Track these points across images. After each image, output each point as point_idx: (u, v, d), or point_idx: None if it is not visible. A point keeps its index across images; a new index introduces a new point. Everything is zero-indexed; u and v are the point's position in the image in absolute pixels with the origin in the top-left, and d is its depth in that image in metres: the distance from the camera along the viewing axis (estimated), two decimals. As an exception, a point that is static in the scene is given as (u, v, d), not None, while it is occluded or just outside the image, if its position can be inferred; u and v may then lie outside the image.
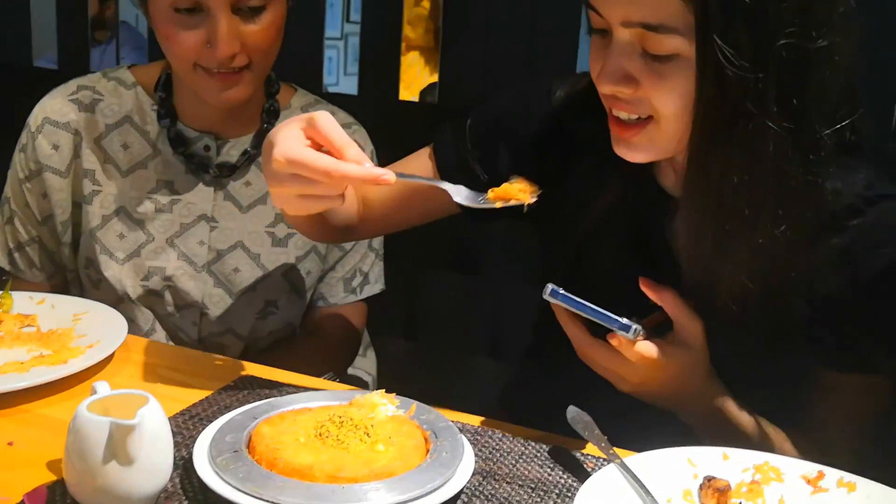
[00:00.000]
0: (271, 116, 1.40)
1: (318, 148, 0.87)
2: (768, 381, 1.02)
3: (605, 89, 0.93)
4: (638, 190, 1.06)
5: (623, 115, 0.94)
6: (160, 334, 1.38)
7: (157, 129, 1.36)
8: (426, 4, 2.59)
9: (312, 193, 0.88)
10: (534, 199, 0.92)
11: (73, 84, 1.39)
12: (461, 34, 1.81)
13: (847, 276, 0.96)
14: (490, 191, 0.94)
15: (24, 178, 1.37)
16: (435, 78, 2.51)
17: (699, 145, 0.91)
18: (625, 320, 0.90)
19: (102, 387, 0.80)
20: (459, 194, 0.95)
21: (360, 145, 1.37)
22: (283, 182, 0.87)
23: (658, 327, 0.96)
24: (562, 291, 0.91)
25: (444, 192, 1.18)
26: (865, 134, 0.96)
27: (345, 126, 1.43)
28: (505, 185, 0.93)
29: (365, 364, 1.60)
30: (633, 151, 0.97)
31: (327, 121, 0.88)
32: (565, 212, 1.11)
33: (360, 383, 1.54)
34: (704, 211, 0.93)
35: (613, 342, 0.91)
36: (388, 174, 0.87)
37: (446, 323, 1.75)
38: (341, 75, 4.48)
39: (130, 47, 2.70)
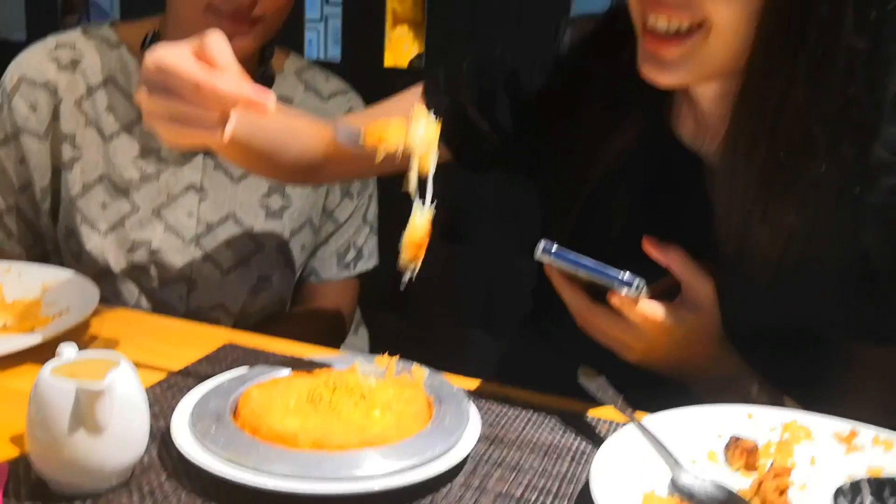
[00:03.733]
0: (266, 82, 1.32)
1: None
2: (792, 354, 0.92)
3: None
4: (653, 140, 0.97)
5: (662, 21, 0.81)
6: (146, 309, 1.30)
7: None
8: (414, -26, 2.52)
9: (184, 114, 0.75)
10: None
11: (51, 40, 1.28)
12: (446, 3, 1.75)
13: (882, 238, 0.86)
14: (364, 129, 0.80)
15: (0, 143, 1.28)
16: (422, 49, 2.45)
17: (764, 55, 0.80)
18: (626, 275, 0.81)
19: (69, 349, 0.72)
20: (342, 133, 0.82)
21: (354, 112, 1.33)
22: (152, 94, 0.76)
23: (668, 292, 0.87)
24: (555, 248, 0.83)
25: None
26: None
27: (340, 93, 1.37)
28: (379, 123, 0.79)
29: (356, 342, 1.53)
30: (667, 71, 0.84)
31: (219, 41, 0.76)
32: (569, 166, 1.02)
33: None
34: (758, 133, 0.82)
35: (614, 301, 0.83)
36: (267, 99, 0.74)
37: (438, 296, 1.69)
38: (321, 58, 4.39)
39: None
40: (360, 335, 1.55)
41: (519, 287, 1.23)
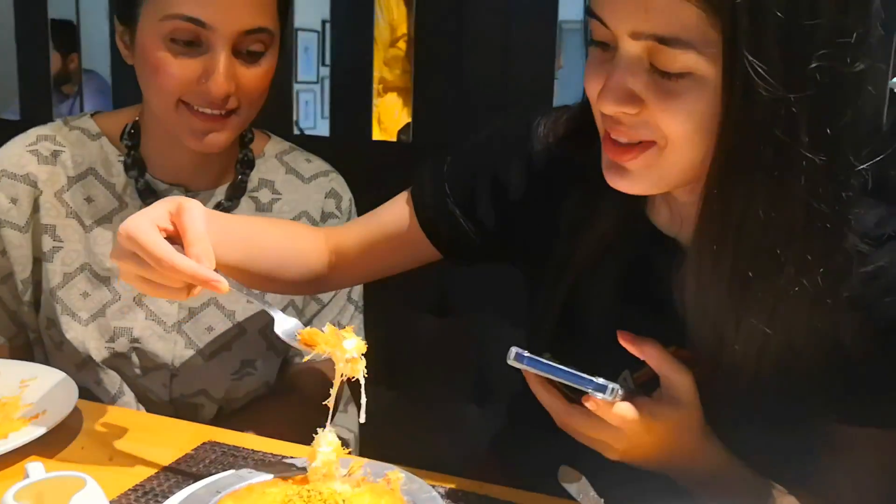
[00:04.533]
0: (246, 166, 1.33)
1: (176, 234, 0.87)
2: (776, 442, 0.91)
3: (607, 109, 0.83)
4: (630, 228, 0.97)
5: (623, 139, 0.84)
6: (129, 397, 1.29)
7: (124, 181, 1.28)
8: (402, 45, 2.56)
9: (149, 278, 0.85)
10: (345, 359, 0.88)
11: (32, 134, 1.30)
12: (433, 71, 1.77)
13: (859, 323, 0.86)
14: (299, 332, 0.90)
15: None
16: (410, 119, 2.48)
17: (720, 175, 0.81)
18: (600, 380, 0.80)
19: (35, 469, 0.71)
20: (281, 326, 0.92)
21: (336, 193, 1.35)
22: (121, 257, 0.86)
23: (651, 382, 0.87)
24: (527, 354, 0.82)
25: (423, 242, 1.13)
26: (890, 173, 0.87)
27: (321, 174, 1.37)
28: (312, 330, 0.89)
29: (346, 420, 1.51)
30: (629, 179, 0.86)
31: (193, 213, 0.87)
32: (551, 256, 1.04)
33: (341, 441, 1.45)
34: (721, 251, 0.83)
35: (589, 406, 0.81)
36: (220, 283, 0.84)
37: (430, 370, 1.67)
38: (318, 118, 4.44)
39: (93, 90, 2.64)
40: (349, 413, 1.53)
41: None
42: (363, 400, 0.89)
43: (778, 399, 0.89)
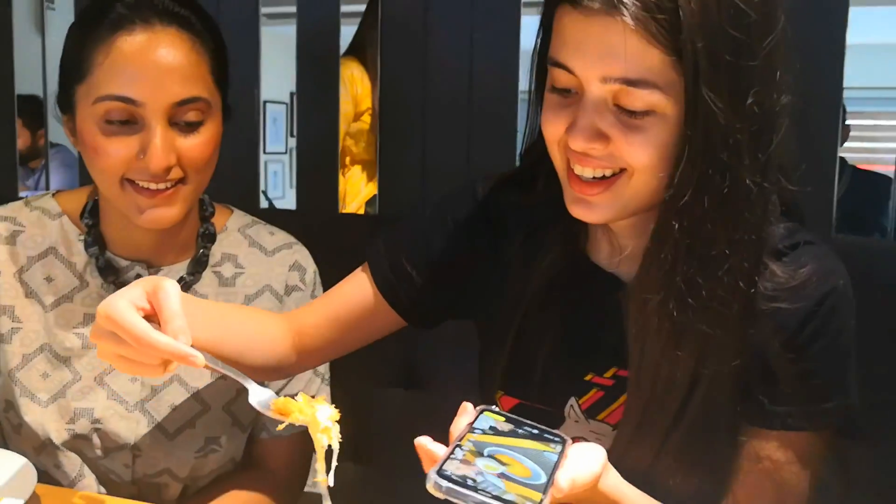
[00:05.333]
0: (207, 240, 1.33)
1: (153, 313, 0.90)
2: (701, 457, 1.00)
3: (577, 146, 0.91)
4: (571, 266, 1.06)
5: (587, 172, 0.92)
6: (90, 479, 1.26)
7: (85, 260, 1.28)
8: (367, 119, 2.60)
9: (126, 356, 0.88)
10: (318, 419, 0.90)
11: None
12: (398, 144, 1.80)
13: (772, 329, 0.96)
14: (273, 402, 0.92)
15: None
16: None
17: (676, 197, 0.90)
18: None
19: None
20: (256, 397, 0.94)
21: (300, 266, 1.36)
22: (100, 337, 0.89)
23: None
24: (445, 485, 0.73)
25: (385, 309, 1.16)
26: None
27: (284, 247, 1.38)
28: (286, 400, 0.91)
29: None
30: (595, 210, 0.95)
31: (168, 291, 0.90)
32: (503, 298, 1.10)
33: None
34: (672, 261, 0.92)
35: None
36: (196, 357, 0.87)
37: (397, 444, 1.65)
38: (286, 188, 4.47)
39: (59, 164, 2.65)
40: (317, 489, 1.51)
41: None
42: (334, 463, 0.91)
43: (704, 409, 0.97)
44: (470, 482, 0.74)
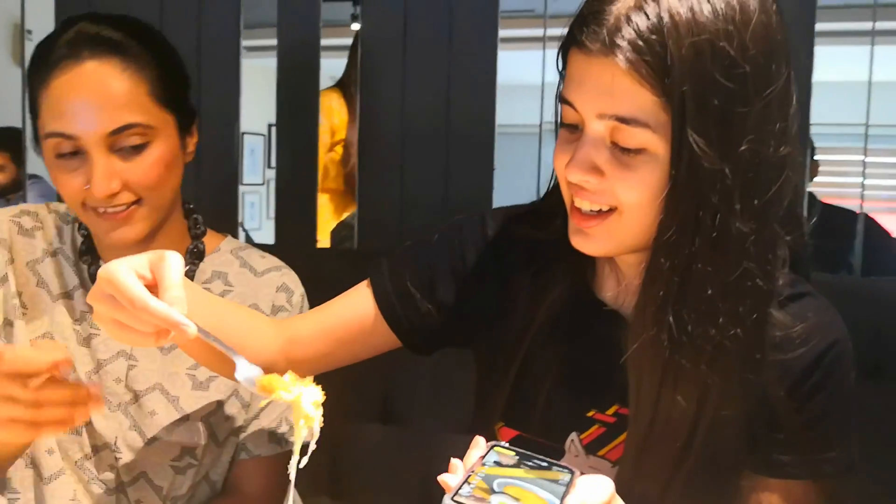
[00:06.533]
0: (195, 257, 1.37)
1: (154, 285, 0.89)
2: (699, 495, 1.00)
3: (573, 178, 0.95)
4: (576, 301, 1.07)
5: (585, 205, 0.96)
6: (71, 481, 1.28)
7: (86, 265, 1.35)
8: (339, 150, 2.63)
9: (121, 321, 0.88)
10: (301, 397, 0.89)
11: (17, 207, 1.38)
12: (377, 177, 1.81)
13: (776, 378, 0.98)
14: (258, 379, 0.91)
15: None
16: (342, 218, 2.54)
17: (666, 237, 0.92)
18: None
19: None
20: (242, 373, 0.92)
21: (288, 288, 1.37)
22: (98, 299, 0.88)
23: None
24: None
25: (383, 330, 1.16)
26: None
27: (273, 269, 1.40)
28: (272, 376, 0.91)
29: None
30: (591, 242, 0.98)
31: (171, 263, 0.89)
32: (506, 329, 1.11)
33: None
34: (662, 309, 0.93)
35: None
36: (189, 326, 0.86)
37: (375, 479, 1.65)
38: (263, 219, 4.46)
39: (36, 195, 2.66)
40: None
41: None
42: (312, 447, 0.91)
43: (707, 454, 0.98)
44: None
